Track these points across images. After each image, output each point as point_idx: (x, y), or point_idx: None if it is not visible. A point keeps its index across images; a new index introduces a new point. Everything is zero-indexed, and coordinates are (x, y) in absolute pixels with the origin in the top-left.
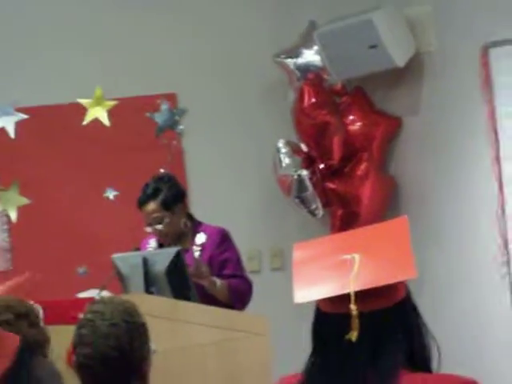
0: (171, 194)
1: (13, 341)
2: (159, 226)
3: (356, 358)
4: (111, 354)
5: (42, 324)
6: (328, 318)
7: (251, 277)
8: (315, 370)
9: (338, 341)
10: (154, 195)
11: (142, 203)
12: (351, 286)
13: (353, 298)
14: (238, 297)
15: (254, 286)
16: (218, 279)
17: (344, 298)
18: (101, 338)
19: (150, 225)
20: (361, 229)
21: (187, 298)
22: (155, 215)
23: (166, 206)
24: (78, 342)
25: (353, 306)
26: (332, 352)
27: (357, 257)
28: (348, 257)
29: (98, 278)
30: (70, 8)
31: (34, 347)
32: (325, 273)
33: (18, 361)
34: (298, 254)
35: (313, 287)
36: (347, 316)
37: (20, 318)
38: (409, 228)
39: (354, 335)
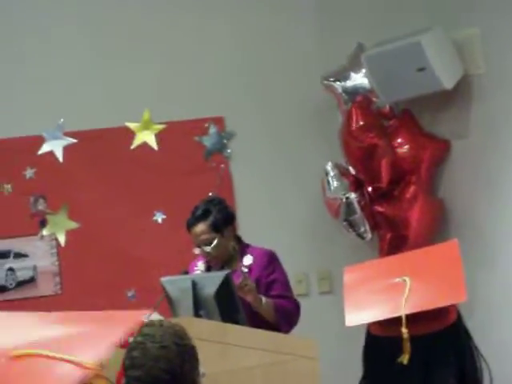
0: (221, 217)
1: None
2: (208, 248)
3: (408, 380)
4: (162, 376)
5: None
6: (379, 342)
7: (299, 300)
8: None
9: (390, 364)
10: (203, 217)
11: (191, 224)
12: (402, 310)
13: (404, 321)
14: (285, 317)
15: (302, 309)
16: (264, 297)
17: (395, 322)
18: (151, 361)
19: (198, 246)
20: (411, 252)
21: (236, 322)
22: (204, 237)
23: (216, 227)
24: (129, 365)
25: (404, 330)
26: (384, 375)
27: (408, 280)
28: (399, 280)
29: (147, 301)
30: (121, 33)
31: None
32: (376, 296)
33: None
34: (349, 277)
35: (364, 310)
36: (398, 339)
37: None
38: (459, 251)
39: (405, 358)
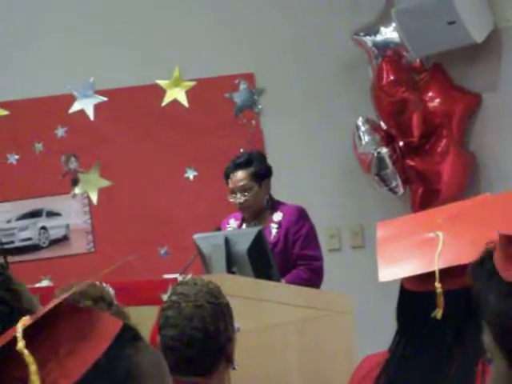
0: (263, 167)
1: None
2: (245, 195)
3: (441, 335)
4: (196, 335)
5: (116, 303)
6: (413, 297)
7: (331, 255)
8: (401, 348)
9: (424, 319)
10: (246, 164)
11: (231, 170)
12: (436, 264)
13: (438, 276)
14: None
15: (335, 264)
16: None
17: (429, 276)
18: (186, 320)
19: (234, 193)
20: (444, 206)
21: (269, 278)
22: (243, 183)
23: (256, 177)
24: (164, 324)
25: (438, 284)
26: (417, 330)
27: (441, 234)
28: (432, 235)
29: (179, 258)
30: None
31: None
32: (409, 251)
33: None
34: (382, 232)
35: (397, 265)
36: (432, 294)
37: (98, 302)
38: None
39: (439, 313)
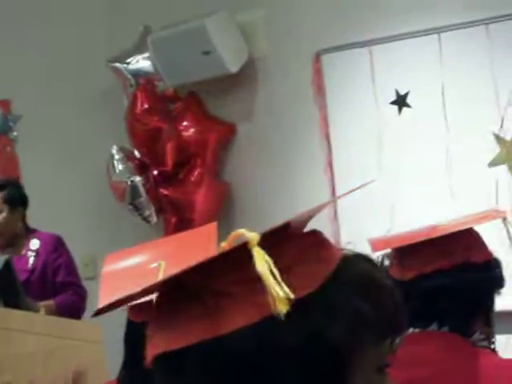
0: (17, 193)
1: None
2: None
3: None
4: None
5: None
6: (134, 326)
7: (87, 283)
8: (126, 379)
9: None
10: None
11: None
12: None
13: (155, 305)
14: (70, 312)
15: (90, 292)
16: (44, 305)
17: (150, 306)
18: None
19: None
20: (172, 236)
21: (18, 307)
22: None
23: (9, 201)
24: None
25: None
26: (141, 360)
27: (162, 264)
28: (155, 264)
29: None
30: None
31: None
32: (132, 282)
33: None
34: (109, 264)
35: (117, 296)
36: None
37: None
38: (216, 234)
39: None
